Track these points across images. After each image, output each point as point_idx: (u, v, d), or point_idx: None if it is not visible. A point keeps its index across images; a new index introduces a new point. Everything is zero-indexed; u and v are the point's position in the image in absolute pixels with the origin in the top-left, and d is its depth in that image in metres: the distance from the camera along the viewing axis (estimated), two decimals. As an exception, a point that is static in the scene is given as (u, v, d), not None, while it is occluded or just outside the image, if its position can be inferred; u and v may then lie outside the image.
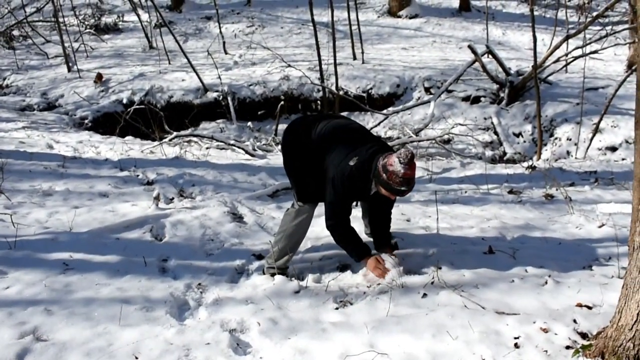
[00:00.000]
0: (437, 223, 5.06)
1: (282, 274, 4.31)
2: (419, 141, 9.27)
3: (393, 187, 3.72)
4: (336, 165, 3.94)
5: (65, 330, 3.62)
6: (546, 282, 3.89)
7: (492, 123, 10.53)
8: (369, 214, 4.58)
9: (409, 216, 5.48)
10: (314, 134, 4.17)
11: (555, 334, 3.28)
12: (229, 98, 11.35)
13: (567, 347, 3.18)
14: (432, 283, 3.94)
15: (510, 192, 6.38)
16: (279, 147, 9.39)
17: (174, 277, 4.40)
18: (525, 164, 7.82)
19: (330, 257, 4.59)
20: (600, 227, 5.11)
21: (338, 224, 4.12)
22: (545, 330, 3.31)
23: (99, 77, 11.63)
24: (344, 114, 11.00)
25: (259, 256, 4.71)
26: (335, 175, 3.93)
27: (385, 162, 3.72)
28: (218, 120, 11.40)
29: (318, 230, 4.93)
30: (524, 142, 10.10)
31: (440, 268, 4.16)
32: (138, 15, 14.80)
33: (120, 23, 16.55)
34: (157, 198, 5.76)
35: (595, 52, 9.83)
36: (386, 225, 4.51)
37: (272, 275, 4.31)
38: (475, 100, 11.12)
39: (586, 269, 4.21)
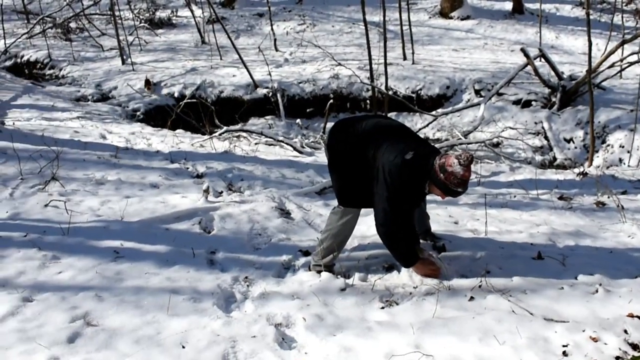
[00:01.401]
0: (486, 226, 5.01)
1: (329, 271, 4.33)
2: (468, 144, 9.19)
3: (450, 188, 3.70)
4: (391, 160, 3.84)
5: (115, 317, 3.71)
6: (597, 291, 3.83)
7: (542, 128, 10.37)
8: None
9: (456, 219, 5.45)
10: (359, 131, 4.15)
11: (605, 344, 3.23)
12: (278, 95, 11.43)
13: (617, 358, 3.13)
14: (480, 286, 3.91)
15: (561, 198, 6.29)
16: (327, 145, 9.46)
17: (221, 269, 4.46)
18: (577, 170, 7.68)
19: (376, 256, 4.58)
20: (653, 237, 5.00)
21: (391, 231, 4.02)
22: (595, 340, 3.26)
23: (148, 83, 11.81)
24: (393, 114, 10.98)
25: (306, 252, 4.74)
26: (391, 169, 3.82)
27: (444, 162, 3.69)
28: (267, 117, 11.49)
29: (364, 229, 4.95)
30: (575, 148, 9.92)
31: (488, 272, 4.12)
32: (192, 11, 15.01)
33: (174, 18, 16.81)
34: (206, 191, 5.84)
35: (652, 58, 9.61)
36: (426, 220, 4.64)
37: (319, 272, 4.33)
38: (526, 104, 10.97)
39: (638, 278, 4.11)
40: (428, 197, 4.61)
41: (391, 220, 3.96)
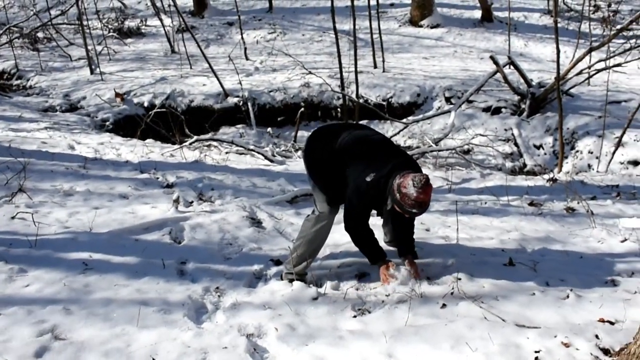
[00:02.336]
0: (457, 233, 5.02)
1: (301, 280, 4.30)
2: (439, 151, 9.23)
3: (405, 209, 3.75)
4: (355, 179, 3.97)
5: (84, 330, 3.64)
6: (567, 296, 3.85)
7: (512, 134, 10.45)
8: (391, 223, 4.58)
9: (428, 225, 5.45)
10: (337, 143, 4.18)
11: (577, 349, 3.24)
12: (249, 104, 11.38)
13: (589, 363, 3.14)
14: (452, 293, 3.91)
15: (531, 204, 6.33)
16: (298, 153, 9.43)
17: (192, 280, 4.41)
18: (546, 177, 7.75)
19: (349, 264, 4.57)
20: (622, 241, 5.04)
21: (356, 227, 4.16)
22: (567, 345, 3.27)
23: (118, 95, 11.68)
24: (364, 122, 10.97)
25: (277, 261, 4.70)
26: (353, 188, 3.98)
27: (400, 182, 3.73)
28: (238, 126, 11.42)
29: (337, 237, 4.92)
30: (545, 154, 10.03)
31: (459, 279, 4.12)
32: (161, 20, 14.91)
33: (143, 27, 16.68)
34: (176, 201, 5.79)
35: (618, 65, 9.73)
36: (408, 234, 4.49)
37: (290, 281, 4.30)
38: (496, 111, 11.05)
39: (608, 284, 4.15)
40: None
41: (357, 219, 4.13)
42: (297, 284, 4.20)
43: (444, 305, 3.79)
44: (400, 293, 3.99)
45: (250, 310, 3.92)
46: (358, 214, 4.11)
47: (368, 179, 3.88)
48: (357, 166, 4.02)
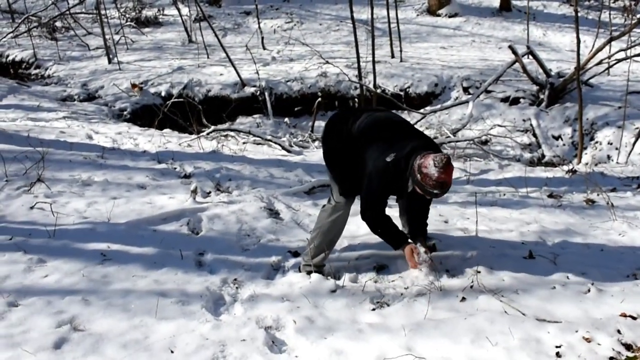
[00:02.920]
0: (477, 225, 4.97)
1: (319, 272, 4.28)
2: (457, 141, 9.17)
3: (426, 189, 3.67)
4: (374, 160, 3.88)
5: (103, 321, 3.65)
6: (589, 290, 3.80)
7: (531, 125, 10.37)
8: (407, 209, 4.52)
9: (446, 217, 5.41)
10: (354, 127, 4.11)
11: (599, 344, 3.20)
12: (266, 93, 11.37)
13: (611, 358, 3.10)
14: (472, 287, 3.87)
15: (550, 196, 6.27)
16: (316, 143, 9.41)
17: (210, 271, 4.41)
18: (566, 168, 7.68)
19: (367, 256, 4.54)
20: (644, 234, 4.98)
21: (374, 215, 4.07)
22: (588, 340, 3.23)
23: (136, 86, 11.68)
24: (381, 112, 10.92)
25: (295, 253, 4.69)
26: (372, 171, 3.88)
27: (421, 162, 3.65)
28: (255, 115, 11.43)
29: (354, 228, 4.91)
30: (564, 145, 9.94)
31: (479, 272, 4.08)
32: (178, 9, 14.91)
33: (161, 17, 16.69)
34: (194, 191, 5.79)
35: (638, 54, 9.61)
36: (423, 219, 4.43)
37: (309, 273, 4.28)
38: (514, 101, 10.97)
39: (630, 277, 4.09)
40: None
41: (374, 206, 4.03)
42: (315, 276, 4.18)
43: (463, 299, 3.76)
44: (419, 286, 3.96)
45: (268, 302, 3.91)
46: (378, 198, 4.02)
47: (388, 159, 3.81)
48: (376, 148, 3.94)
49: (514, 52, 10.43)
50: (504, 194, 6.39)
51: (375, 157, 3.88)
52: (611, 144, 9.31)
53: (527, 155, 9.69)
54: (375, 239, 4.55)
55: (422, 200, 4.23)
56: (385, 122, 4.17)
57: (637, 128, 8.91)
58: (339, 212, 4.27)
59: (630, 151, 8.66)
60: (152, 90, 11.83)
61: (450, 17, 15.62)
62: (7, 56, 14.49)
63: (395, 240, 4.15)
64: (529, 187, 6.53)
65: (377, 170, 3.85)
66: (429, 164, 3.59)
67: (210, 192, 6.13)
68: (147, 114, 11.08)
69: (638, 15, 11.97)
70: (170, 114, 10.14)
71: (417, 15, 15.98)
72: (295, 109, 11.53)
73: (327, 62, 11.02)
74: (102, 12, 13.87)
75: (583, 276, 4.04)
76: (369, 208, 4.04)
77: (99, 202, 5.63)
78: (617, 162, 8.58)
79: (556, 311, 3.56)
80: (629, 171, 7.52)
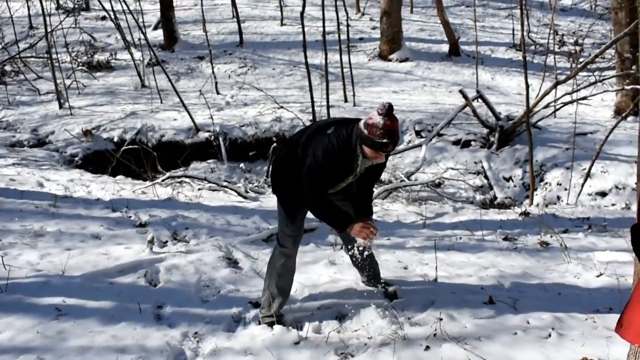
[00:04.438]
0: (436, 271, 5.01)
1: (280, 322, 4.24)
2: (412, 185, 9.27)
3: (376, 141, 3.68)
4: (316, 144, 3.89)
5: (60, 381, 3.53)
6: (549, 335, 3.86)
7: (482, 167, 10.57)
8: (350, 193, 4.40)
9: (405, 264, 5.44)
10: (296, 142, 4.14)
11: (562, 391, 3.24)
12: (220, 138, 11.34)
13: (574, 405, 3.14)
14: (435, 335, 3.89)
15: (505, 238, 6.37)
16: (271, 189, 9.39)
17: (169, 325, 4.32)
18: (519, 210, 7.83)
19: (328, 305, 4.52)
20: (598, 276, 5.09)
21: (318, 195, 3.97)
22: (552, 387, 3.27)
23: (88, 133, 11.54)
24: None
25: (256, 304, 4.63)
26: (315, 148, 3.87)
27: (366, 119, 3.72)
28: (209, 160, 11.36)
29: (315, 277, 4.91)
30: (515, 186, 10.15)
31: (441, 319, 4.11)
32: (131, 54, 14.83)
33: (113, 61, 16.58)
34: (151, 242, 5.70)
35: (584, 98, 9.94)
36: (368, 200, 4.39)
37: (270, 324, 4.23)
38: (466, 144, 11.18)
39: (588, 320, 4.17)
40: (375, 242, 4.59)
41: (317, 183, 3.94)
42: (277, 327, 4.13)
43: (427, 348, 3.77)
44: (383, 335, 3.95)
45: (230, 356, 3.85)
46: (323, 176, 3.91)
47: (329, 131, 3.85)
48: (316, 135, 3.96)
49: (465, 96, 10.68)
50: (460, 238, 6.47)
51: (317, 141, 3.89)
52: (560, 184, 9.56)
53: (479, 197, 9.85)
54: (337, 286, 4.57)
55: (366, 179, 4.22)
56: (322, 122, 4.27)
57: (584, 169, 9.16)
58: (287, 256, 4.28)
59: (580, 192, 8.89)
60: (105, 135, 11.68)
61: (401, 61, 15.92)
62: (-47, 102, 14.18)
63: (343, 219, 4.07)
64: (484, 230, 6.64)
65: (320, 146, 3.85)
66: (374, 115, 3.68)
67: (167, 242, 6.04)
68: (99, 160, 10.92)
69: (581, 59, 12.39)
70: (123, 160, 10.03)
71: (369, 60, 16.25)
72: (250, 153, 11.51)
73: (282, 107, 11.08)
74: (54, 56, 13.71)
75: (543, 320, 4.11)
76: (313, 187, 3.95)
77: (52, 254, 5.49)
78: (567, 203, 8.80)
79: (519, 357, 3.60)
80: (579, 212, 7.70)
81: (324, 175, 3.90)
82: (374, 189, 4.41)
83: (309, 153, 3.89)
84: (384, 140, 3.66)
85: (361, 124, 3.74)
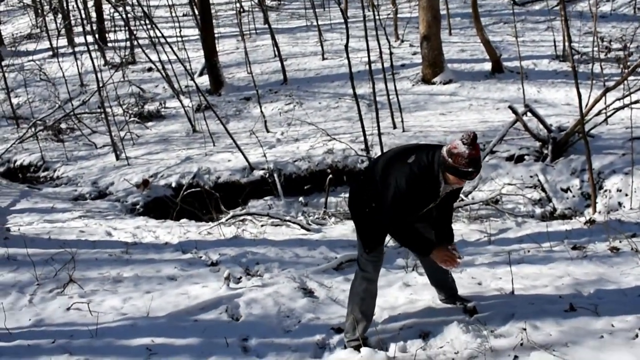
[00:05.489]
0: (512, 284, 5.04)
1: (365, 345, 4.32)
2: (471, 204, 9.29)
3: (460, 170, 3.77)
4: (398, 174, 3.97)
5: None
6: (637, 335, 3.86)
7: (538, 180, 10.50)
8: (434, 219, 4.48)
9: (479, 280, 5.48)
10: (375, 171, 4.24)
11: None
12: (275, 175, 11.53)
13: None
14: (522, 344, 3.92)
15: (574, 247, 6.35)
16: (332, 219, 9.50)
17: (257, 355, 4.46)
18: (583, 219, 7.78)
19: (410, 325, 4.59)
20: (676, 276, 5.05)
21: (399, 223, 4.04)
22: (649, 385, 3.27)
23: (145, 183, 11.88)
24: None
25: (338, 329, 4.74)
26: (397, 178, 3.95)
27: (449, 147, 3.80)
28: (266, 197, 11.54)
29: (392, 300, 4.99)
30: (573, 196, 10.05)
31: (525, 329, 4.14)
32: (180, 101, 15.25)
33: (163, 110, 17.04)
34: (227, 278, 5.86)
35: (636, 102, 9.85)
36: (448, 224, 4.50)
37: (356, 348, 4.32)
38: (519, 159, 11.14)
39: (673, 318, 4.15)
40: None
41: (398, 215, 4.00)
42: (364, 350, 4.22)
43: (515, 357, 3.80)
44: (470, 349, 4.00)
45: (323, 380, 3.95)
46: (405, 204, 3.96)
47: (410, 160, 3.93)
48: (396, 167, 4.03)
49: (514, 111, 10.68)
50: (529, 251, 6.48)
51: (399, 171, 3.97)
52: (620, 190, 9.43)
53: (539, 210, 9.78)
54: (415, 307, 4.63)
55: (445, 202, 4.30)
56: (397, 149, 4.35)
57: (644, 173, 9.05)
58: (369, 280, 4.37)
59: (643, 196, 8.77)
60: (162, 182, 11.99)
61: (445, 84, 15.97)
62: (15, 161, 14.72)
63: (426, 245, 4.14)
64: (551, 242, 6.62)
65: (402, 176, 3.93)
66: (458, 144, 3.75)
67: (241, 278, 6.20)
68: (159, 206, 11.20)
69: (629, 63, 12.30)
70: (183, 204, 10.30)
71: (413, 85, 16.33)
72: (305, 187, 11.66)
73: (333, 139, 11.24)
74: (107, 110, 14.18)
75: (627, 322, 4.10)
76: (397, 216, 4.01)
77: (133, 298, 5.70)
78: (631, 208, 8.69)
79: (610, 359, 3.60)
80: (646, 216, 7.62)
81: (409, 204, 3.99)
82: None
83: (390, 182, 3.98)
84: (469, 170, 3.78)
85: (444, 152, 3.83)
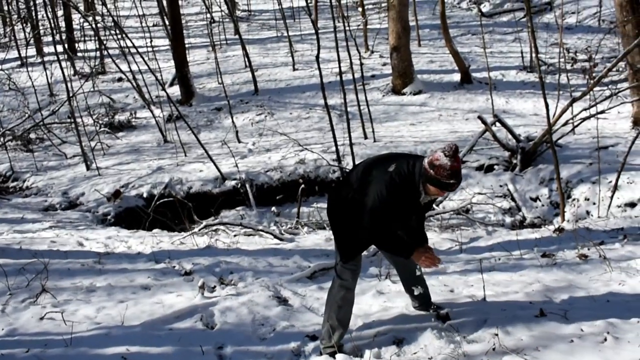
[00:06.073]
0: (484, 290, 5.13)
1: (340, 351, 4.37)
2: (442, 213, 9.40)
3: (442, 182, 3.85)
4: (379, 183, 4.01)
5: None
6: (605, 339, 3.96)
7: (508, 190, 10.66)
8: (411, 225, 4.54)
9: (451, 287, 5.56)
10: (352, 179, 4.29)
11: (628, 390, 3.33)
12: (247, 185, 11.54)
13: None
14: (494, 349, 4.00)
15: (544, 255, 6.47)
16: (305, 229, 9.54)
17: (233, 363, 4.47)
18: (552, 227, 7.92)
19: (384, 332, 4.64)
20: (643, 281, 5.18)
21: (379, 230, 4.08)
22: (618, 387, 3.36)
23: (117, 193, 11.80)
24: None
25: (313, 337, 4.78)
26: (379, 188, 3.99)
27: (431, 158, 3.87)
28: (238, 208, 11.53)
29: (365, 308, 5.04)
30: (542, 205, 10.22)
31: (497, 334, 4.22)
32: (151, 111, 15.18)
33: (134, 120, 16.94)
34: (202, 287, 5.87)
35: (602, 112, 10.06)
36: (422, 230, 4.59)
37: (331, 354, 4.37)
38: (489, 168, 11.29)
39: (640, 323, 4.26)
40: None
41: (380, 221, 4.05)
42: (340, 356, 4.27)
43: (488, 362, 3.88)
44: (443, 354, 4.07)
45: (298, 386, 3.98)
46: (388, 214, 4.02)
47: (390, 169, 3.99)
48: (377, 176, 4.08)
49: (484, 122, 10.85)
50: (499, 259, 6.58)
51: (380, 180, 4.02)
52: (588, 199, 9.61)
53: (509, 219, 9.92)
54: (389, 314, 4.69)
55: (422, 211, 4.39)
56: (376, 158, 4.40)
57: (610, 182, 9.24)
58: (346, 288, 4.42)
59: (609, 204, 8.96)
60: (134, 192, 11.92)
61: (414, 94, 16.12)
62: (-18, 172, 14.55)
63: (408, 246, 4.20)
64: (521, 249, 6.73)
65: (383, 185, 3.98)
66: (440, 156, 3.82)
67: (215, 287, 6.21)
68: (131, 217, 11.15)
69: (594, 74, 12.56)
70: (155, 214, 10.26)
71: (383, 95, 16.47)
72: (277, 197, 11.68)
73: (305, 149, 11.29)
74: (77, 119, 14.06)
75: (596, 327, 4.20)
76: (379, 224, 4.05)
77: (107, 307, 5.68)
78: (599, 217, 8.86)
79: (580, 363, 3.70)
80: (612, 223, 7.78)
81: (390, 212, 4.04)
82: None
83: (370, 190, 4.04)
84: (451, 181, 3.86)
85: (426, 163, 3.90)
